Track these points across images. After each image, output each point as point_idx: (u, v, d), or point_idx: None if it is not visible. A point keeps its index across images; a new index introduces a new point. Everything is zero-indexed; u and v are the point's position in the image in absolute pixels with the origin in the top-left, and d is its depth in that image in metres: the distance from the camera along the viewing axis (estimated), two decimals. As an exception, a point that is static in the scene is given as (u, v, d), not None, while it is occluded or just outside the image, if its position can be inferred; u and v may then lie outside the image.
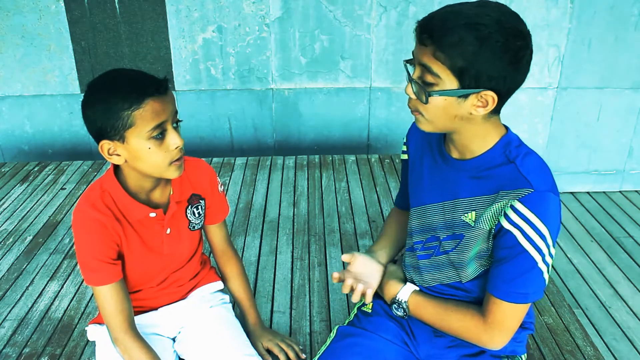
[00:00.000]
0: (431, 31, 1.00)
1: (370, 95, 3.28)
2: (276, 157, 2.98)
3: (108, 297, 1.27)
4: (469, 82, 1.00)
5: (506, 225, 1.07)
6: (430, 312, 1.24)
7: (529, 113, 3.35)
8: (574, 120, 3.39)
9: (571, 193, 3.59)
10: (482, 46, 0.97)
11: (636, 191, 3.61)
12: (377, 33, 3.13)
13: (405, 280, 1.32)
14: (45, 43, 3.08)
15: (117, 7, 3.03)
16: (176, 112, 1.22)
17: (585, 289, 2.69)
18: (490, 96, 1.02)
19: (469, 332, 1.18)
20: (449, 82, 1.01)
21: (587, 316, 2.51)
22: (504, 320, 1.13)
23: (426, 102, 1.05)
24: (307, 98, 3.29)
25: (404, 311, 1.27)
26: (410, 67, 1.08)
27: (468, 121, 1.07)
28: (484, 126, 1.09)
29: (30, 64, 3.13)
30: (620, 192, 3.61)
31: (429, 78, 1.03)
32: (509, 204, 1.06)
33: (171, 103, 1.20)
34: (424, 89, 1.04)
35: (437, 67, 1.01)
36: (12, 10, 3.00)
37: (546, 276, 1.10)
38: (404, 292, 1.27)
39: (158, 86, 1.17)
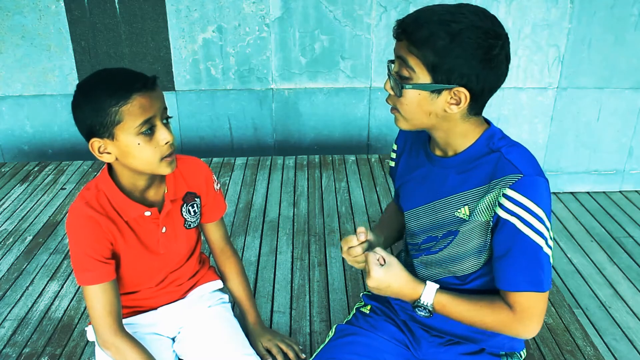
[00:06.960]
0: (405, 27, 1.05)
1: (370, 95, 3.28)
2: (276, 157, 2.98)
3: (98, 297, 1.26)
4: (441, 77, 1.03)
5: (503, 214, 1.07)
6: (459, 310, 1.17)
7: (529, 113, 3.35)
8: (574, 120, 3.39)
9: (571, 193, 3.59)
10: (452, 42, 1.00)
11: (636, 191, 3.61)
12: (377, 33, 3.12)
13: (423, 279, 1.22)
14: (45, 43, 3.08)
15: (117, 7, 3.03)
16: (165, 109, 1.22)
17: (585, 289, 2.69)
18: (463, 93, 1.04)
19: (503, 326, 1.15)
20: (423, 76, 1.04)
21: (587, 316, 2.50)
22: (531, 308, 1.11)
23: (400, 95, 1.08)
24: (307, 98, 3.29)
25: (429, 312, 1.19)
26: (392, 66, 1.12)
27: (444, 119, 1.09)
28: (463, 126, 1.11)
29: (30, 64, 3.13)
30: (620, 192, 3.60)
31: (405, 72, 1.06)
32: (501, 192, 1.06)
33: (159, 99, 1.20)
34: (399, 82, 1.07)
35: (412, 61, 1.04)
36: (12, 10, 3.00)
37: (551, 260, 1.10)
38: (428, 295, 1.17)
39: (145, 82, 1.17)
